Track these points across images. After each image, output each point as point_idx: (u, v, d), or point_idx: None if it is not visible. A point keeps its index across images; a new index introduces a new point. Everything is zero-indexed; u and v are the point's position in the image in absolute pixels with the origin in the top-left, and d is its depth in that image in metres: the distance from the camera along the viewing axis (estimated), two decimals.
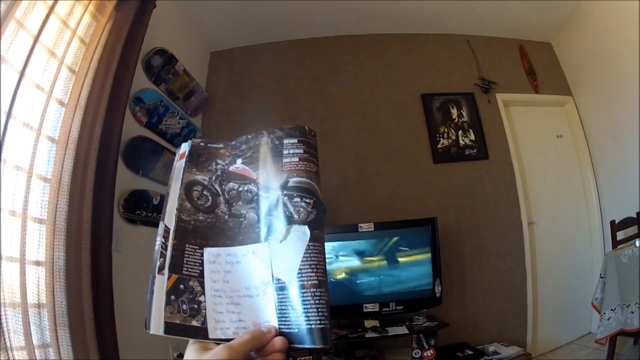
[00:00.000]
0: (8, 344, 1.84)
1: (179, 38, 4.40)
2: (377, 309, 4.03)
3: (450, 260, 4.71)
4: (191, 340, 0.74)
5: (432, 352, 3.86)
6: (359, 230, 4.17)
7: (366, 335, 3.87)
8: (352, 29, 5.53)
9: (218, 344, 0.71)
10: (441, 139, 5.20)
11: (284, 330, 0.71)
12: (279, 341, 0.70)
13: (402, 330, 3.94)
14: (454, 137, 5.22)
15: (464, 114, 5.33)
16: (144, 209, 3.35)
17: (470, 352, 4.09)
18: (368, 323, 4.04)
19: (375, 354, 4.10)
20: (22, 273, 1.98)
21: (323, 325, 0.68)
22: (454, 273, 4.75)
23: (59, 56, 2.45)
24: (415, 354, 3.89)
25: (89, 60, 2.69)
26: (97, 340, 2.36)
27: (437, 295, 4.12)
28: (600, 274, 3.86)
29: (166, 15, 3.92)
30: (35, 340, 2.02)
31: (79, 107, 2.59)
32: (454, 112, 5.31)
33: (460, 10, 5.22)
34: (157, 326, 0.73)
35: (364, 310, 4.04)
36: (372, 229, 4.18)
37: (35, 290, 2.14)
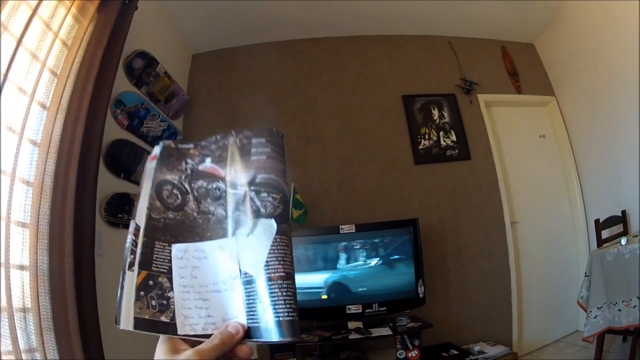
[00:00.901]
0: None
1: (160, 40, 4.38)
2: (360, 310, 4.04)
3: (433, 260, 4.74)
4: (160, 339, 0.73)
5: (416, 352, 3.87)
6: (341, 231, 4.18)
7: (350, 337, 3.87)
8: (333, 31, 5.53)
9: (188, 342, 0.72)
10: (422, 140, 5.21)
11: (251, 324, 0.71)
12: (244, 350, 0.71)
13: (385, 331, 3.95)
14: (435, 138, 5.24)
15: (446, 114, 5.35)
16: (125, 212, 3.33)
17: (456, 352, 4.09)
18: (351, 324, 4.04)
19: (360, 355, 4.10)
20: (7, 277, 1.96)
21: (291, 318, 0.68)
22: (437, 273, 4.77)
23: (41, 59, 2.44)
24: (399, 354, 3.90)
25: (71, 62, 2.68)
26: (82, 344, 2.34)
27: (420, 295, 4.13)
28: (586, 273, 3.91)
29: (148, 17, 3.90)
30: (21, 344, 2.01)
31: (61, 110, 2.58)
32: (435, 113, 5.33)
33: (442, 12, 5.24)
34: (126, 321, 0.73)
35: (347, 312, 4.04)
36: (354, 231, 4.19)
37: (20, 294, 2.12)
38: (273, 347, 3.84)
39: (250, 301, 0.72)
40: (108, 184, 3.23)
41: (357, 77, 5.49)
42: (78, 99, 2.67)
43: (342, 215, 4.80)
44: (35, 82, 2.34)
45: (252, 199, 0.77)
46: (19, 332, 2.00)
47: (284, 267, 0.71)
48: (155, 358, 0.71)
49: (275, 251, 0.72)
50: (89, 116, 2.68)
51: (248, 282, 0.73)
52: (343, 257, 4.20)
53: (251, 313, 0.71)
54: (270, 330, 0.68)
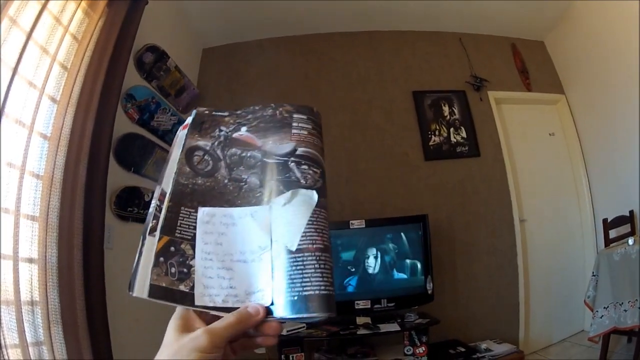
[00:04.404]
0: (2, 341, 1.83)
1: (170, 35, 4.38)
2: (369, 306, 4.03)
3: (442, 257, 4.72)
4: (174, 315, 0.69)
5: (423, 348, 3.87)
6: (350, 227, 4.16)
7: (358, 332, 3.89)
8: (343, 26, 5.52)
9: (204, 320, 0.68)
10: (433, 136, 5.20)
11: (283, 298, 0.66)
12: (272, 326, 0.67)
13: (393, 327, 3.95)
14: (445, 135, 5.22)
15: (456, 111, 5.33)
16: (135, 206, 3.33)
17: (462, 349, 4.09)
18: (360, 320, 4.04)
19: (367, 350, 4.10)
20: (16, 270, 1.97)
21: (328, 292, 0.65)
22: (445, 270, 4.76)
23: (52, 53, 2.44)
24: (407, 350, 3.90)
25: (81, 56, 2.69)
26: (90, 337, 2.36)
27: (429, 292, 4.12)
28: (593, 272, 3.90)
29: (158, 11, 3.90)
30: (29, 337, 2.02)
31: (71, 104, 2.58)
32: (446, 109, 5.31)
33: (453, 8, 5.22)
34: (141, 288, 0.69)
35: (356, 307, 4.03)
36: (364, 226, 4.17)
37: (28, 287, 2.13)
38: (281, 341, 3.83)
39: (280, 274, 0.68)
40: (118, 177, 3.23)
41: (367, 73, 5.48)
42: (88, 92, 2.68)
43: (351, 210, 4.79)
44: (45, 76, 2.35)
45: (291, 170, 0.75)
46: (26, 325, 2.01)
47: (322, 239, 0.69)
48: (166, 335, 0.66)
49: (314, 223, 0.69)
50: (99, 110, 2.68)
51: (280, 253, 0.69)
52: (352, 252, 4.20)
53: (280, 286, 0.67)
54: (304, 304, 0.64)
